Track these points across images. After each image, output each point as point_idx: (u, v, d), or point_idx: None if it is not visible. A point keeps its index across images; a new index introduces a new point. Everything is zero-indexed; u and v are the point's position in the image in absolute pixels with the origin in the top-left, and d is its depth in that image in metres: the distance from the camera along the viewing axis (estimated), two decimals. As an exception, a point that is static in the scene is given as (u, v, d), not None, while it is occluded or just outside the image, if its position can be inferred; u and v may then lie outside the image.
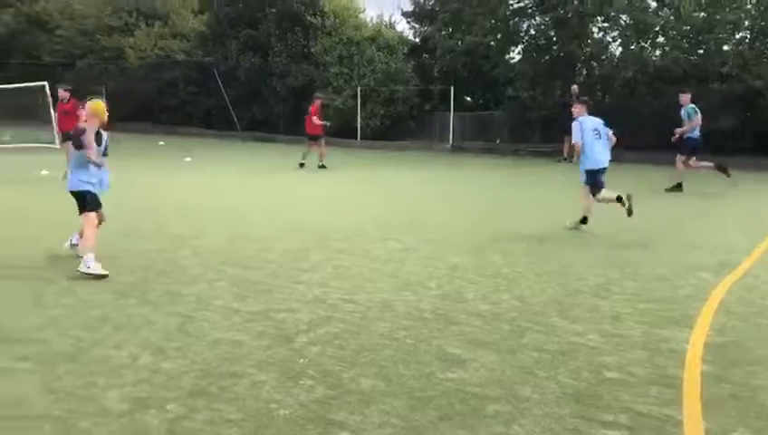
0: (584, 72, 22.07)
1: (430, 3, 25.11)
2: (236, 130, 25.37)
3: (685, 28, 19.23)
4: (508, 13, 21.95)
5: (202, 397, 3.58)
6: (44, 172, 13.86)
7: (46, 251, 6.90)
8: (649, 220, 9.39)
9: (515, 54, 23.49)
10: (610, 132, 8.89)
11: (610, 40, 21.23)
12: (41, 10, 30.46)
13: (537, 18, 22.07)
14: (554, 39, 21.59)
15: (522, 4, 22.15)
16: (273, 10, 25.34)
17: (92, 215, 6.22)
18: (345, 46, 24.10)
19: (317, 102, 16.74)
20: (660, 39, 20.32)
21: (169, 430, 3.23)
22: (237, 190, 12.27)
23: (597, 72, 21.35)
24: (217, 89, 25.06)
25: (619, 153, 18.75)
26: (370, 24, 25.65)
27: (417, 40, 25.91)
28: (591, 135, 8.69)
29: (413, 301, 5.36)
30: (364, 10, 26.98)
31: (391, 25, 26.17)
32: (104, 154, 6.41)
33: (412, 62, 24.26)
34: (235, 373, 3.90)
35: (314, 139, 16.32)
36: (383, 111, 23.62)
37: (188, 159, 17.27)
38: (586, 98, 10.02)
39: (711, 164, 13.04)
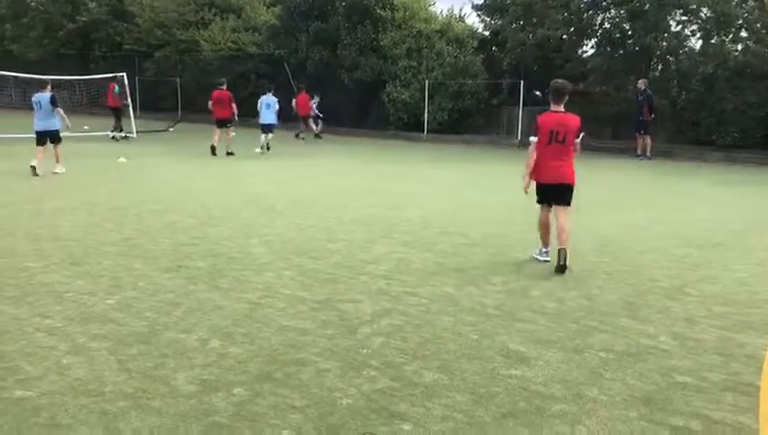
0: (660, 67, 21.32)
1: (502, -5, 24.75)
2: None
3: (770, 21, 18.33)
4: (582, 5, 21.40)
5: (268, 382, 3.66)
6: (122, 159, 14.40)
7: (124, 238, 7.17)
8: (723, 221, 9.04)
9: (588, 48, 22.91)
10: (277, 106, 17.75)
11: (689, 34, 20.44)
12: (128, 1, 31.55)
13: (612, 11, 21.44)
14: (629, 32, 20.93)
15: (596, -3, 21.57)
16: (344, 3, 25.47)
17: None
18: (414, 39, 24.01)
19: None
20: (743, 33, 19.44)
21: (235, 414, 3.31)
22: (304, 181, 12.44)
23: (673, 67, 20.58)
24: (287, 81, 25.40)
25: (700, 153, 18.10)
26: (440, 18, 25.47)
27: (487, 33, 25.58)
28: (264, 107, 17.56)
29: (477, 296, 5.32)
30: (434, 3, 26.81)
31: (461, 18, 25.91)
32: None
33: (481, 56, 23.96)
34: (300, 361, 3.96)
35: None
36: (451, 104, 23.45)
37: (258, 150, 17.61)
38: (272, 86, 18.91)
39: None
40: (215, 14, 29.42)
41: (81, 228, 7.52)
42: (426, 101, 23.34)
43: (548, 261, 6.42)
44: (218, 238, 7.18)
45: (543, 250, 6.57)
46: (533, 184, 6.49)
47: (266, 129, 17.46)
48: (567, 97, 6.46)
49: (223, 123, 16.71)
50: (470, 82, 23.38)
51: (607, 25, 21.79)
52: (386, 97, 24.08)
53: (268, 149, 17.29)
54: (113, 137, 19.82)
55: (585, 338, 4.45)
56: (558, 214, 6.37)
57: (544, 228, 6.53)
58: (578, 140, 6.37)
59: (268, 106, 17.45)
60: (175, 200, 9.63)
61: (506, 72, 23.34)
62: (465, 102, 23.59)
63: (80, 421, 3.20)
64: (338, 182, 12.33)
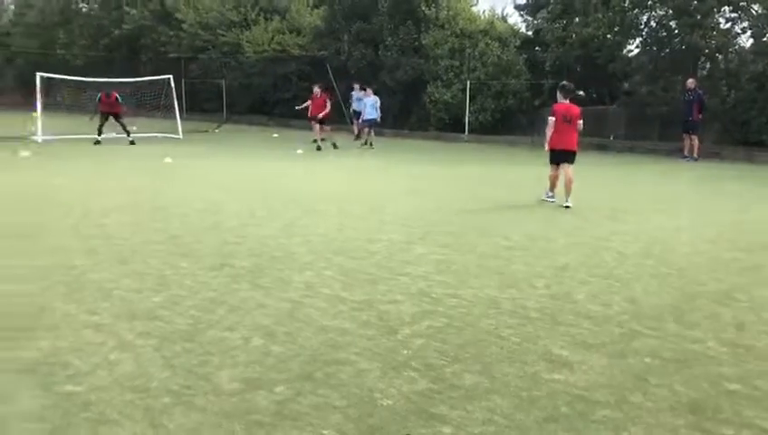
0: (708, 66, 20.78)
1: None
2: (350, 124, 25.78)
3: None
4: (625, 4, 21.02)
5: (309, 381, 3.68)
6: (168, 160, 14.69)
7: (170, 237, 7.31)
8: (779, 224, 8.77)
9: (633, 47, 22.49)
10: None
11: (739, 31, 19.89)
12: (171, 6, 32.13)
13: (658, 10, 20.99)
14: (675, 31, 20.47)
15: (641, -6, 21.15)
16: (387, 2, 25.46)
17: None
18: (457, 39, 23.89)
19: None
20: (797, 30, 18.84)
21: (277, 412, 3.34)
22: (345, 181, 12.51)
23: (722, 66, 20.04)
24: (329, 83, 25.57)
25: (748, 154, 17.60)
26: (483, 17, 25.31)
27: (530, 33, 25.35)
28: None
29: (519, 299, 5.27)
30: (477, 2, 26.68)
31: (503, 18, 25.73)
32: None
33: (524, 56, 23.74)
34: (341, 360, 3.98)
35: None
36: (493, 105, 23.29)
37: (300, 151, 17.78)
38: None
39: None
40: (258, 15, 29.71)
41: (129, 227, 7.70)
42: (467, 102, 23.22)
43: (554, 201, 9.86)
44: (261, 237, 7.27)
45: (549, 193, 10.08)
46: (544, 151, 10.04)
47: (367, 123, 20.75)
48: (572, 94, 9.93)
49: (318, 120, 19.19)
50: (513, 82, 23.19)
51: (653, 24, 21.36)
52: (427, 98, 24.04)
53: (371, 144, 20.09)
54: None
55: (630, 343, 4.37)
56: (566, 169, 9.79)
57: (554, 180, 10.02)
58: (580, 121, 9.73)
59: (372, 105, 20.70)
60: (219, 200, 9.77)
61: (549, 72, 23.06)
62: (507, 103, 23.40)
63: (126, 417, 3.27)
64: (378, 182, 12.36)
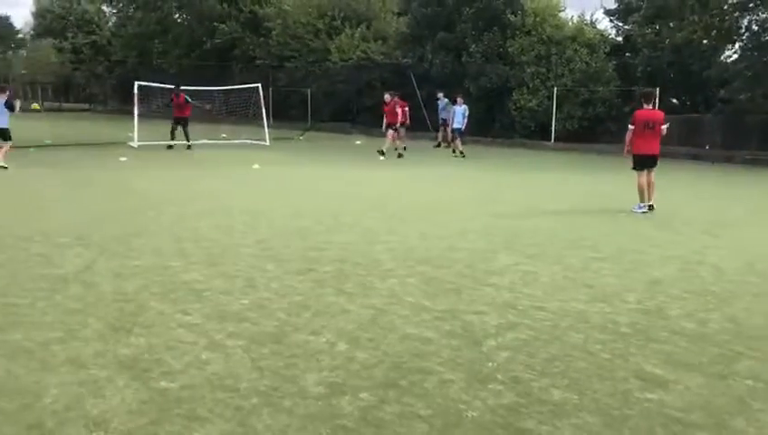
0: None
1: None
2: (434, 131, 25.80)
3: None
4: (725, 7, 20.07)
5: (393, 389, 3.67)
6: (256, 166, 15.11)
7: (257, 241, 7.49)
8: None
9: (731, 53, 21.47)
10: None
11: None
12: (263, 15, 33.15)
13: (761, 13, 19.93)
14: (781, 34, 19.39)
15: (742, -2, 20.15)
16: (472, 10, 25.30)
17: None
18: (544, 45, 23.49)
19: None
20: None
21: (362, 418, 3.34)
22: (426, 189, 12.48)
23: (832, 71, 18.83)
24: (412, 90, 25.64)
25: None
26: (571, 24, 24.77)
27: (620, 39, 24.62)
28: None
29: (609, 314, 5.09)
30: (564, 9, 26.15)
31: (592, 24, 25.10)
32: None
33: (613, 62, 23.07)
34: (425, 370, 3.95)
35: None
36: (580, 112, 22.73)
37: (382, 157, 17.91)
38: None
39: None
40: (343, 23, 30.19)
41: (218, 230, 7.94)
42: (554, 109, 22.77)
43: (645, 212, 9.74)
44: (344, 243, 7.34)
45: (641, 205, 9.89)
46: (626, 157, 10.31)
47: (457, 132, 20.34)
48: (654, 99, 9.53)
49: (387, 126, 19.21)
50: (601, 89, 22.57)
51: (754, 28, 20.32)
52: (512, 105, 23.73)
53: (455, 152, 19.80)
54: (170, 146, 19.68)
55: (730, 364, 4.14)
56: (649, 173, 9.90)
57: (642, 189, 9.90)
58: (664, 127, 9.92)
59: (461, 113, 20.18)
60: (304, 205, 9.95)
61: (640, 78, 22.31)
62: (595, 110, 22.79)
63: (216, 415, 3.35)
64: (460, 190, 12.27)
